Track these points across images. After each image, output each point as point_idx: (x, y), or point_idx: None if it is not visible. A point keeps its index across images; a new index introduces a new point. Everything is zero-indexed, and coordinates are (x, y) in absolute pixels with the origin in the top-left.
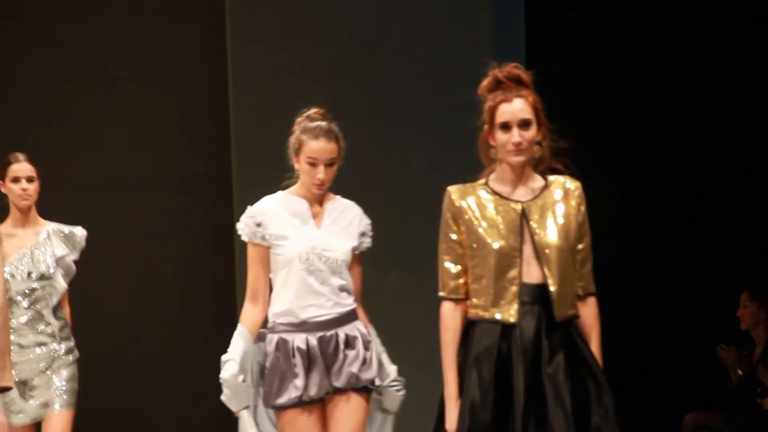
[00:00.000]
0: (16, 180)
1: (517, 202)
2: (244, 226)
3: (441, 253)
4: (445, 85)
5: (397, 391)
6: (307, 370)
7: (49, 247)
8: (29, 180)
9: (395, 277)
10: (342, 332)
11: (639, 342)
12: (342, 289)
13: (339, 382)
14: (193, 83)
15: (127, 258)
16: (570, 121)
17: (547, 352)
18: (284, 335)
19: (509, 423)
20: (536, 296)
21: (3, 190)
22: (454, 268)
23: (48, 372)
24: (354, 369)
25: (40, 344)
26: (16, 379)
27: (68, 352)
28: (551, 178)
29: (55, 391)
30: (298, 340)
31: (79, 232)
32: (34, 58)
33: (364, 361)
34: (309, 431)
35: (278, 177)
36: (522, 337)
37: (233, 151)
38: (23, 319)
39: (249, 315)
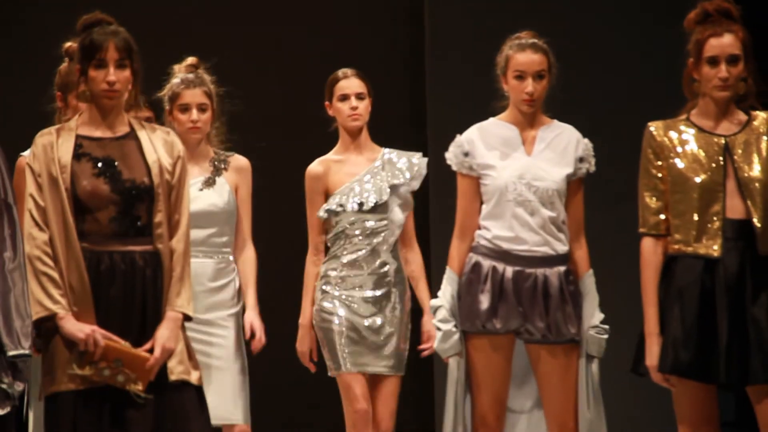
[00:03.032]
0: (344, 98)
1: (720, 136)
2: (452, 156)
3: (641, 189)
4: (646, 19)
5: (599, 335)
6: (495, 300)
7: (385, 175)
8: (359, 97)
9: (592, 214)
10: (542, 274)
11: None
12: (553, 222)
13: (536, 331)
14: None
15: None
16: None
17: (751, 289)
18: (482, 259)
19: (711, 361)
20: (740, 232)
21: (330, 112)
22: (654, 203)
23: (379, 320)
24: (552, 321)
25: (374, 286)
26: (348, 320)
27: (401, 299)
28: (755, 112)
29: (388, 350)
30: (494, 267)
31: (417, 159)
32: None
33: (564, 314)
34: (494, 364)
35: (472, 118)
36: (726, 273)
37: (428, 93)
38: (355, 255)
39: (456, 256)
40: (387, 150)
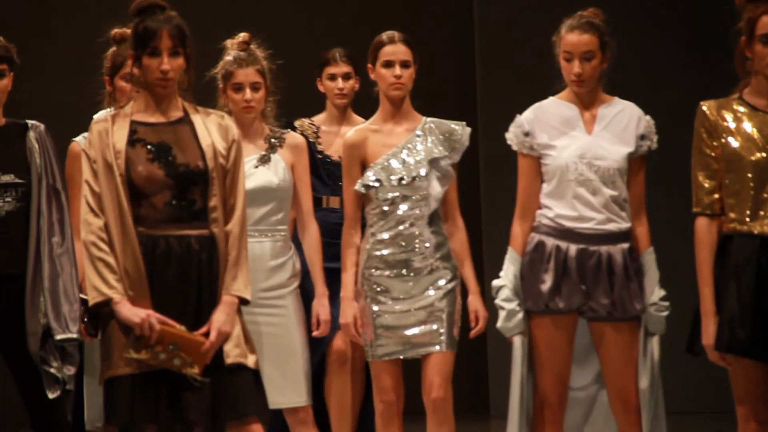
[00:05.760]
0: (388, 64)
1: None
2: (512, 136)
3: (695, 168)
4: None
5: (659, 312)
6: (558, 279)
7: (424, 147)
8: (404, 65)
9: (647, 194)
10: (606, 252)
11: None
12: (615, 201)
13: (601, 309)
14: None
15: None
16: None
17: None
18: (544, 238)
19: None
20: None
21: (373, 76)
22: (708, 183)
23: (424, 299)
24: (617, 298)
25: (407, 262)
26: (382, 308)
27: (447, 275)
28: None
29: (437, 328)
30: (558, 246)
31: (460, 130)
32: None
33: (629, 291)
34: (556, 343)
35: (523, 92)
36: None
37: (478, 68)
38: (392, 233)
39: (518, 236)
40: (428, 119)
